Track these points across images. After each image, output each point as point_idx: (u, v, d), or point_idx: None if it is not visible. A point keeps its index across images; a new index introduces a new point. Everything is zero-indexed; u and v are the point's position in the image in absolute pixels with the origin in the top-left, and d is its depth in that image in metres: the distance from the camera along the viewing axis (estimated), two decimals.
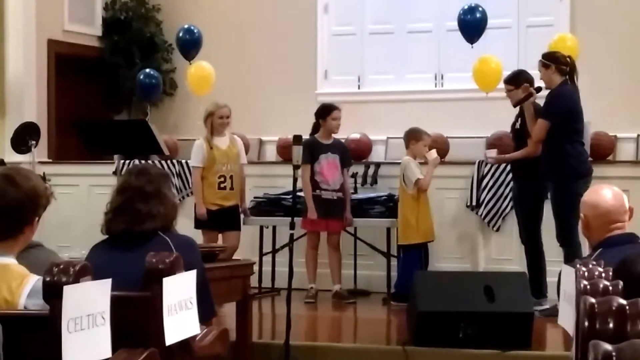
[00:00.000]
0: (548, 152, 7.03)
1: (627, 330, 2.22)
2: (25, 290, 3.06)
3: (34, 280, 3.08)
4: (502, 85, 7.73)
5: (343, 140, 8.66)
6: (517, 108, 7.36)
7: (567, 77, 7.06)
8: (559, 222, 6.98)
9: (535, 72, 7.52)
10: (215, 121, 7.84)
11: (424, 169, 7.81)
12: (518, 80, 7.39)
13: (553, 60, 7.08)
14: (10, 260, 3.16)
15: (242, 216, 8.06)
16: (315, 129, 8.08)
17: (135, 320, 3.36)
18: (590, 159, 7.32)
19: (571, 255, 6.56)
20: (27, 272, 3.13)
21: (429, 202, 7.85)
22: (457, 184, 8.37)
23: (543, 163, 7.07)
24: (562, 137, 6.95)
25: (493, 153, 7.74)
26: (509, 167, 7.83)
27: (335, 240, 8.07)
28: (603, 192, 4.06)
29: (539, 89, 7.27)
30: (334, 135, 8.12)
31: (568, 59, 7.14)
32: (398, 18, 10.22)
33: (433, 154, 7.86)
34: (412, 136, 7.92)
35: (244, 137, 8.83)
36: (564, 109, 6.96)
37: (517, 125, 7.38)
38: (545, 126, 6.93)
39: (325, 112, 8.04)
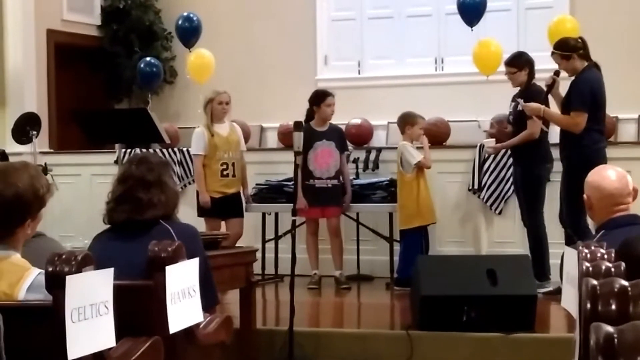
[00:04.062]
0: (565, 135, 6.98)
1: (630, 312, 2.22)
2: (25, 284, 3.04)
3: (34, 274, 3.06)
4: (502, 68, 7.72)
5: (343, 126, 8.63)
6: (512, 93, 7.40)
7: (588, 59, 6.97)
8: (567, 205, 6.90)
9: (535, 54, 7.52)
10: (215, 107, 7.82)
11: (421, 152, 7.81)
12: (519, 62, 7.41)
13: (571, 49, 6.96)
14: (10, 254, 3.14)
15: (244, 203, 8.07)
16: (310, 116, 7.99)
17: (138, 309, 3.37)
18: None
19: (576, 238, 6.53)
20: (29, 265, 3.11)
21: (428, 185, 7.84)
22: (458, 168, 8.37)
23: (560, 144, 7.03)
24: None
25: (491, 143, 7.75)
26: (509, 151, 7.82)
27: (334, 226, 8.01)
28: (607, 174, 4.01)
29: (558, 72, 7.17)
30: (331, 121, 8.04)
31: (580, 40, 7.04)
32: (397, 2, 10.15)
33: (424, 138, 7.87)
34: (408, 121, 7.89)
35: (244, 124, 8.82)
36: (590, 94, 6.87)
37: (512, 109, 7.40)
38: (584, 117, 6.82)
39: (319, 98, 7.92)
